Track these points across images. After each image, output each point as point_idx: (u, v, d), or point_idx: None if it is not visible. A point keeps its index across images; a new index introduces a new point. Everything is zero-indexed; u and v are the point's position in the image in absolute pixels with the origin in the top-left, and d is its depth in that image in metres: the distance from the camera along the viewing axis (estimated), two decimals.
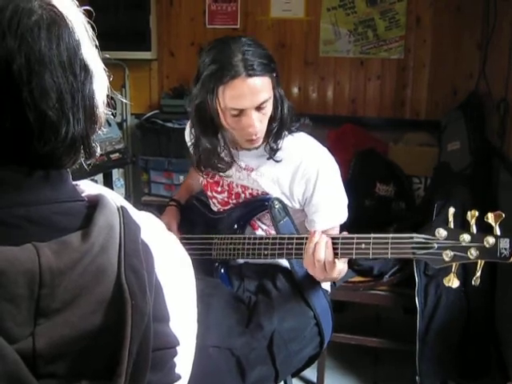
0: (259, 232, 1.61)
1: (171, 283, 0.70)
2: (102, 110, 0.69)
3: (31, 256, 0.57)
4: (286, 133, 1.53)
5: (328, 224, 1.54)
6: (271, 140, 1.51)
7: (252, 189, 1.57)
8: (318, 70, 3.36)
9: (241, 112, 1.41)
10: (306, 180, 1.51)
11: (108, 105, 0.71)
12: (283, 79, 3.33)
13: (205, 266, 1.56)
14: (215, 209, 1.67)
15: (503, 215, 1.19)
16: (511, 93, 2.31)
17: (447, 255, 1.24)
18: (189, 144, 1.66)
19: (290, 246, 1.45)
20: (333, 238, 1.38)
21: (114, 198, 0.70)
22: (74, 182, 0.70)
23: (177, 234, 1.65)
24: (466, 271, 1.82)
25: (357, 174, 2.80)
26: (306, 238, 1.40)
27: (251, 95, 1.39)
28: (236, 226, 1.58)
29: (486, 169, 2.53)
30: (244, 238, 1.52)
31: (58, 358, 0.58)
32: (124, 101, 3.52)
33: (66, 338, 0.57)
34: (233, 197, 1.60)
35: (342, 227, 1.61)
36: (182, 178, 3.17)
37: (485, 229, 1.22)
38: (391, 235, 1.32)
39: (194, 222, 1.69)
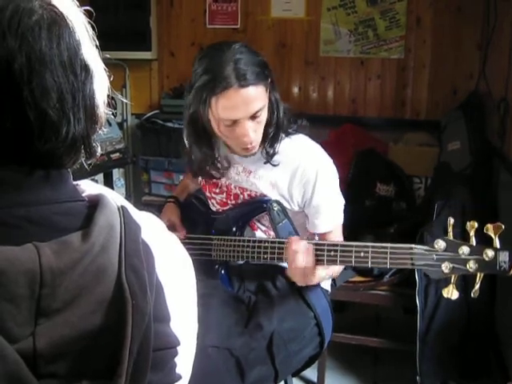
0: (258, 233, 1.61)
1: (172, 283, 0.70)
2: (102, 109, 0.69)
3: (32, 256, 0.57)
4: (284, 135, 1.52)
5: (329, 226, 1.54)
6: (267, 145, 1.49)
7: (250, 190, 1.56)
8: (318, 69, 3.36)
9: (234, 122, 1.39)
10: (304, 182, 1.50)
11: (108, 105, 0.71)
12: (283, 79, 3.35)
13: (205, 268, 1.56)
14: (214, 209, 1.67)
15: (503, 227, 1.19)
16: (511, 93, 2.31)
17: (446, 267, 1.24)
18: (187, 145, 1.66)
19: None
20: (317, 245, 1.38)
21: (115, 197, 0.70)
22: (75, 182, 0.70)
23: (181, 229, 1.65)
24: (464, 277, 1.82)
25: (357, 174, 2.80)
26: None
27: (244, 105, 1.36)
28: (235, 227, 1.58)
29: (486, 169, 2.53)
30: (243, 241, 1.52)
31: (58, 358, 0.57)
32: (124, 101, 3.53)
33: (67, 338, 0.57)
34: (231, 197, 1.60)
35: (343, 227, 1.61)
36: (182, 177, 3.16)
37: (484, 234, 1.22)
38: (390, 245, 1.31)
39: (193, 220, 1.69)
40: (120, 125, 3.49)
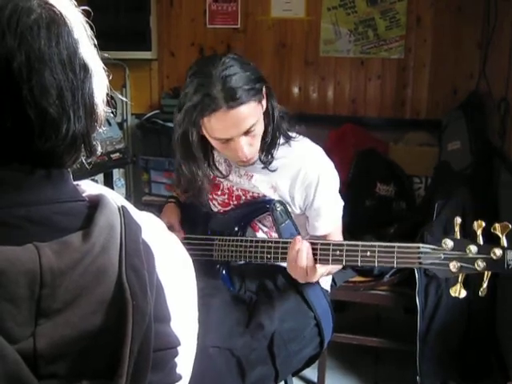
0: (260, 234, 1.61)
1: (172, 283, 0.70)
2: (101, 108, 0.69)
3: (32, 256, 0.57)
4: (283, 140, 1.51)
5: (329, 228, 1.54)
6: (264, 152, 1.49)
7: (253, 192, 1.56)
8: (318, 69, 3.36)
9: (228, 139, 1.38)
10: (306, 185, 1.50)
11: (108, 104, 0.71)
12: (283, 79, 3.35)
13: (206, 268, 1.56)
14: (215, 209, 1.67)
15: (510, 226, 1.18)
16: (511, 92, 2.31)
17: (454, 266, 1.24)
18: None
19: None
20: (313, 244, 1.37)
21: (115, 197, 0.70)
22: (75, 182, 0.70)
23: (179, 230, 1.65)
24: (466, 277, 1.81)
25: (357, 174, 2.80)
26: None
27: (235, 125, 1.34)
28: (237, 227, 1.58)
29: (486, 169, 2.53)
30: (245, 241, 1.52)
31: (58, 359, 0.57)
32: (124, 100, 3.52)
33: (67, 338, 0.57)
34: (233, 198, 1.60)
35: (342, 227, 1.61)
36: None
37: (491, 234, 1.22)
38: (397, 244, 1.30)
39: (194, 220, 1.69)
40: (120, 125, 3.48)
